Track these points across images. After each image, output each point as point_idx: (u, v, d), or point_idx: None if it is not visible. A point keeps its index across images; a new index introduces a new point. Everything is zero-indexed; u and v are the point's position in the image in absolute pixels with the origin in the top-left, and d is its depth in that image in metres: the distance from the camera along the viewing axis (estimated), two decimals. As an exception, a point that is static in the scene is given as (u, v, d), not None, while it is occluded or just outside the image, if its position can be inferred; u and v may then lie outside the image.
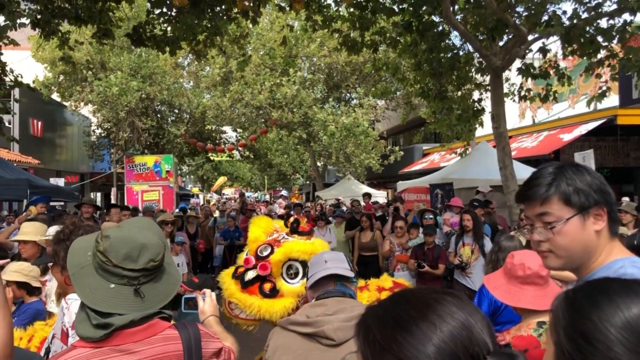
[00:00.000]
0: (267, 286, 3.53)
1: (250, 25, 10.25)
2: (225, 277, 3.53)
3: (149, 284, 1.61)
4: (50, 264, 4.07)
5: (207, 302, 2.22)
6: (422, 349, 0.83)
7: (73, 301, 2.25)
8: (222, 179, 45.95)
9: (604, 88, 9.08)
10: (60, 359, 1.53)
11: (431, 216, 8.33)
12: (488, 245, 6.60)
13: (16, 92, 14.41)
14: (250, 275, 3.57)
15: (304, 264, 3.56)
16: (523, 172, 10.63)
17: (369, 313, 0.94)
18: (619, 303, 0.96)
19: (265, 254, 3.51)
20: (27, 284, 3.59)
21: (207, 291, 2.29)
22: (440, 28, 9.74)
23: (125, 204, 15.85)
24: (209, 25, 9.15)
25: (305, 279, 3.58)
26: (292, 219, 3.83)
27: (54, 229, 4.24)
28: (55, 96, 20.85)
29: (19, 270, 3.62)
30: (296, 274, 3.57)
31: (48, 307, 3.86)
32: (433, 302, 0.90)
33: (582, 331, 0.96)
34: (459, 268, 6.77)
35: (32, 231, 4.42)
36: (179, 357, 1.59)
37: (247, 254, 3.66)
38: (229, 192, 55.40)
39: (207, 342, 1.68)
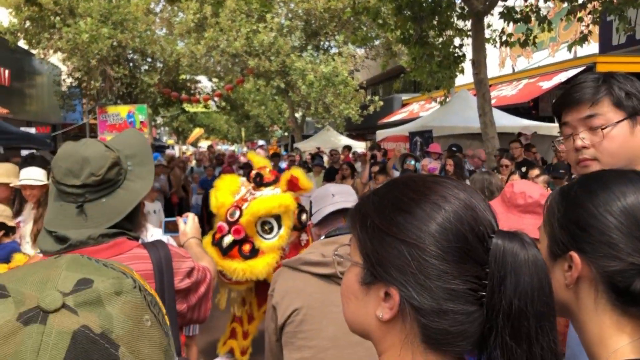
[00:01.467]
0: (246, 248, 3.48)
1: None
2: (206, 246, 3.43)
3: (97, 201, 1.49)
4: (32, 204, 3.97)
5: (189, 224, 2.08)
6: (425, 229, 0.79)
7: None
8: (197, 131, 45.40)
9: (585, 32, 9.02)
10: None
11: (412, 162, 8.35)
12: None
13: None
14: (227, 240, 3.51)
15: (277, 216, 3.52)
16: (502, 119, 10.68)
17: (364, 201, 0.89)
18: (615, 190, 0.94)
19: (235, 217, 3.47)
20: (2, 224, 3.49)
21: (190, 214, 2.14)
22: (422, -30, 9.48)
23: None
24: (182, -36, 8.77)
25: (281, 230, 3.55)
26: (254, 173, 3.75)
27: (31, 171, 4.11)
28: (22, 43, 20.03)
29: None
30: (271, 229, 3.52)
31: (23, 248, 3.77)
32: (433, 184, 0.86)
33: (576, 219, 0.95)
34: None
35: (3, 173, 4.27)
36: (149, 276, 1.49)
37: (219, 222, 3.60)
38: (205, 144, 54.86)
39: (178, 262, 1.58)
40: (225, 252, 3.50)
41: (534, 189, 2.46)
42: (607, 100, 1.35)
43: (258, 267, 3.33)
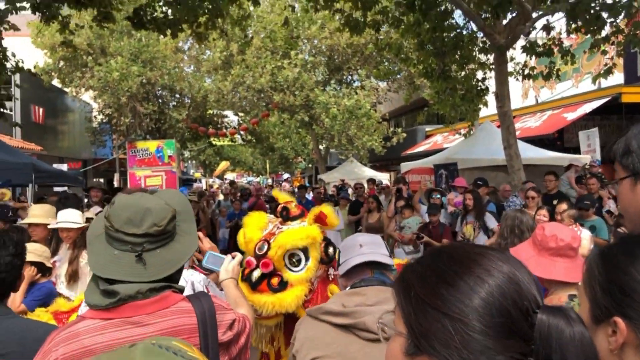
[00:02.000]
0: (275, 281, 3.54)
1: (252, 7, 10.16)
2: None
3: (154, 252, 1.54)
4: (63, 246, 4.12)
5: (232, 263, 2.11)
6: (469, 303, 0.79)
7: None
8: (224, 164, 45.93)
9: (610, 64, 9.02)
10: (67, 329, 1.48)
11: (438, 195, 8.35)
12: (489, 221, 6.74)
13: (17, 79, 14.35)
14: (256, 275, 3.55)
15: (304, 249, 3.60)
16: (527, 151, 10.63)
17: (408, 270, 0.89)
18: None
19: (263, 251, 3.51)
20: (40, 264, 3.62)
21: (238, 255, 2.18)
22: (444, 7, 9.64)
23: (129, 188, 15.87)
24: (210, 7, 9.09)
25: (308, 262, 3.61)
26: (280, 208, 3.83)
27: (68, 213, 4.27)
28: (55, 82, 20.79)
29: (32, 251, 3.65)
30: (299, 262, 3.58)
31: (58, 288, 3.90)
32: (477, 256, 0.85)
33: (619, 284, 0.93)
34: None
35: (42, 214, 4.43)
36: (193, 330, 1.52)
37: (247, 257, 3.68)
38: (231, 176, 55.44)
39: (221, 315, 1.61)
40: (255, 286, 3.55)
41: (565, 232, 2.45)
42: (614, 156, 1.33)
43: (287, 299, 3.38)
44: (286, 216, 3.77)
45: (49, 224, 4.29)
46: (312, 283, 3.67)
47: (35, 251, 3.67)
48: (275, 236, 3.61)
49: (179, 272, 1.64)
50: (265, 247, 3.59)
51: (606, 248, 1.02)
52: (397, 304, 0.88)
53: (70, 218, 4.17)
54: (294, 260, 3.56)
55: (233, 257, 2.17)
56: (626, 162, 1.29)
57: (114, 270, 1.50)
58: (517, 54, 10.06)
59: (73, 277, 3.97)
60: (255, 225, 3.80)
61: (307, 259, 3.56)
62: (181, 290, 1.62)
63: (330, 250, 3.73)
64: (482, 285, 0.80)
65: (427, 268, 0.86)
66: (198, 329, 1.54)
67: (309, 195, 12.99)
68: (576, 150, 11.55)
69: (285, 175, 29.27)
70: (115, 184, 21.18)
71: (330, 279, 3.84)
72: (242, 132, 24.81)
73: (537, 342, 0.77)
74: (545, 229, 2.49)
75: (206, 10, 9.12)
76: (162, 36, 10.44)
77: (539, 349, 0.77)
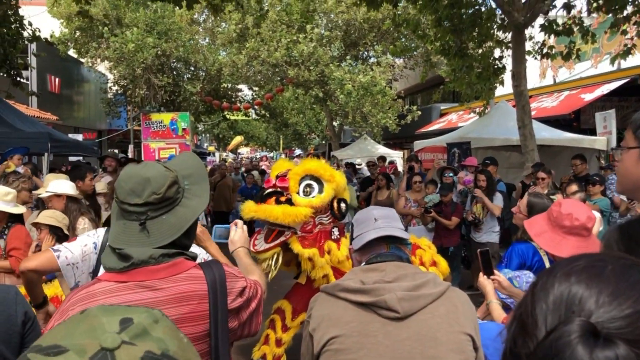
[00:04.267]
0: (283, 199, 3.72)
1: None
2: (245, 204, 3.77)
3: (158, 218, 1.58)
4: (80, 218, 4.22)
5: (237, 232, 2.15)
6: None
7: None
8: (238, 138, 46.01)
9: (629, 45, 8.85)
10: (83, 290, 1.54)
11: (451, 174, 8.36)
12: (497, 201, 6.81)
13: (33, 48, 14.42)
14: (268, 190, 3.85)
15: (319, 181, 3.79)
16: (542, 132, 10.53)
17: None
18: None
19: (284, 172, 3.83)
20: (58, 229, 3.70)
21: (239, 222, 2.20)
22: (462, -18, 9.49)
23: (143, 161, 16.02)
24: (226, -22, 9.02)
25: (321, 194, 3.74)
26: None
27: (57, 183, 4.38)
28: (71, 52, 20.85)
29: (52, 216, 3.74)
30: (311, 191, 3.78)
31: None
32: None
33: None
34: (473, 224, 7.03)
35: (59, 184, 4.50)
36: (203, 296, 1.57)
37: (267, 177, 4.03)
38: (244, 151, 55.57)
39: (231, 282, 1.65)
40: (263, 199, 3.75)
41: (582, 211, 2.41)
42: (632, 125, 1.37)
43: (287, 210, 3.57)
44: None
45: (66, 194, 4.36)
46: (314, 222, 3.78)
47: (55, 216, 3.75)
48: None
49: (189, 236, 1.68)
50: (286, 172, 3.87)
51: (625, 224, 1.02)
52: (628, 127, 0.98)
53: (57, 187, 4.30)
54: (307, 189, 3.79)
55: (236, 225, 2.20)
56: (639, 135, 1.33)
57: (123, 240, 1.56)
58: (535, 33, 9.89)
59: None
60: (284, 162, 4.20)
61: (320, 191, 3.73)
62: (194, 257, 1.66)
63: (343, 205, 3.87)
64: None
65: None
66: (208, 295, 1.57)
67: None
68: (592, 131, 11.41)
69: (298, 152, 29.24)
70: (130, 155, 21.33)
71: (333, 238, 3.93)
72: (256, 107, 24.80)
73: None
74: (562, 206, 2.46)
75: (222, -18, 9.07)
76: (177, 7, 10.38)
77: None
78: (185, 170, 1.70)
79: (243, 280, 1.70)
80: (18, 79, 10.72)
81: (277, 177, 3.78)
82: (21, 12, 10.29)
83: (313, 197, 3.72)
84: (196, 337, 1.54)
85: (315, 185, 3.76)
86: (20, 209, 4.10)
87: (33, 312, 1.83)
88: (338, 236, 3.99)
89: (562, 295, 0.67)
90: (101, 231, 2.37)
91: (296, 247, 3.74)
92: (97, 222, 4.58)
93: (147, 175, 1.58)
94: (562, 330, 0.63)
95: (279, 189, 3.77)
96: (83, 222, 4.18)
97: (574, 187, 5.30)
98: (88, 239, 2.28)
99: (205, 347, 1.58)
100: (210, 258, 2.30)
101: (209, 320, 1.57)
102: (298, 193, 3.74)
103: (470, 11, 9.74)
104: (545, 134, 10.70)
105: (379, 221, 1.94)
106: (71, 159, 15.27)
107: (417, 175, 8.16)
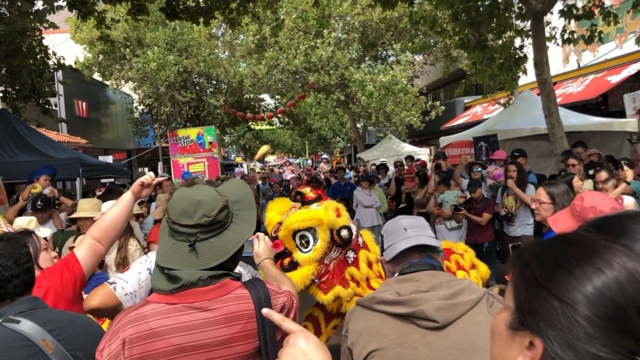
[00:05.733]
0: (286, 261, 3.68)
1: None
2: None
3: (207, 241, 1.63)
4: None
5: (260, 245, 2.19)
6: (582, 290, 0.78)
7: None
8: (264, 148, 46.34)
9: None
10: (134, 311, 1.57)
11: (479, 169, 8.24)
12: (529, 191, 6.63)
13: (59, 75, 14.82)
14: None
15: (312, 230, 3.67)
16: (570, 118, 10.32)
17: (527, 250, 0.89)
18: None
19: (277, 233, 3.69)
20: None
21: (260, 234, 2.24)
22: (476, -26, 9.39)
23: (173, 177, 16.26)
24: (241, -8, 9.14)
25: (316, 243, 3.68)
26: (294, 192, 3.96)
27: (87, 203, 4.57)
28: (96, 76, 21.34)
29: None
30: (308, 242, 3.69)
31: (108, 275, 4.10)
32: (600, 248, 0.83)
33: None
34: (506, 218, 6.88)
35: (90, 208, 4.62)
36: (251, 315, 1.61)
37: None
38: (271, 159, 55.88)
39: (275, 299, 1.70)
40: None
41: (605, 202, 2.36)
42: None
43: (293, 278, 3.50)
44: (302, 200, 3.87)
45: (94, 217, 4.48)
46: (325, 264, 3.74)
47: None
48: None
49: (235, 260, 1.73)
50: (278, 228, 3.72)
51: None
52: (510, 280, 0.90)
53: (87, 209, 4.50)
54: (303, 241, 3.68)
55: (258, 238, 2.23)
56: None
57: (172, 260, 1.61)
58: (554, 19, 9.72)
59: (122, 263, 4.15)
60: (276, 210, 3.95)
61: (315, 240, 3.66)
62: (238, 277, 1.70)
63: (345, 232, 3.76)
64: (600, 276, 0.79)
65: (547, 251, 0.87)
66: (255, 314, 1.62)
67: (347, 176, 13.07)
68: (622, 114, 11.14)
69: (324, 156, 29.34)
70: (160, 172, 21.67)
71: (349, 262, 3.87)
72: (279, 115, 24.94)
73: None
74: (585, 199, 2.41)
75: (236, -4, 9.18)
76: (195, 25, 10.56)
77: None
78: (235, 196, 1.76)
79: (283, 296, 1.75)
80: (47, 106, 11.03)
81: (272, 240, 3.71)
82: (45, 42, 10.58)
83: (310, 250, 3.68)
84: (247, 355, 1.59)
85: (308, 234, 3.69)
86: (45, 232, 4.41)
87: None
88: (355, 256, 3.94)
89: None
90: (152, 256, 2.39)
91: (319, 296, 3.73)
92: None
93: (199, 198, 1.64)
94: None
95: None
96: (135, 244, 4.31)
97: (603, 174, 5.16)
98: (141, 267, 2.30)
99: None
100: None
101: (258, 338, 1.61)
102: (298, 248, 3.71)
103: (486, 2, 9.62)
104: (573, 120, 10.49)
105: (409, 230, 1.93)
106: (103, 181, 15.61)
107: (437, 175, 8.10)
